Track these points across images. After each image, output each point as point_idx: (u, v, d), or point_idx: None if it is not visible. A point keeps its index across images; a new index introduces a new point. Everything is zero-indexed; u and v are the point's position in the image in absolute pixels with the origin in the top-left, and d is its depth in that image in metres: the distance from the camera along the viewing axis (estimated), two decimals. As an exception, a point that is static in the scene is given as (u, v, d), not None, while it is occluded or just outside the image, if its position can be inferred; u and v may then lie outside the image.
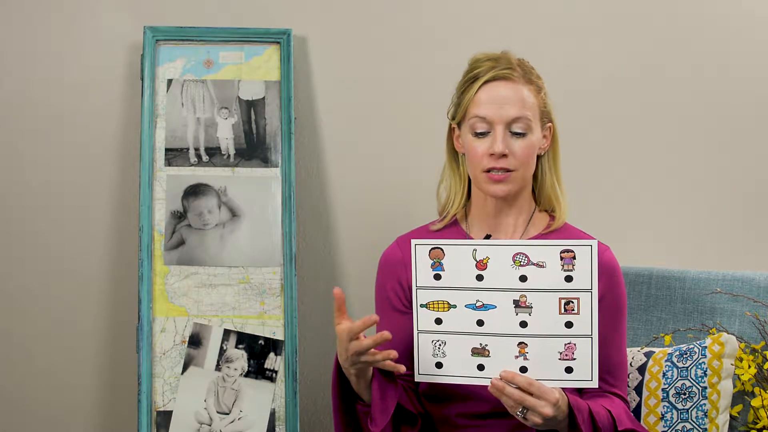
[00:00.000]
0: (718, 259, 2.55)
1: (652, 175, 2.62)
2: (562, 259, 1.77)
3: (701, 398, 2.09)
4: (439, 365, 1.84)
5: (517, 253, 1.79)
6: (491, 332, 1.80)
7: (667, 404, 2.11)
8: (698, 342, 2.15)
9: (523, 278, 1.79)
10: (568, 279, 1.77)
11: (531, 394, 1.77)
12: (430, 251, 1.82)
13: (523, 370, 1.80)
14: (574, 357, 1.78)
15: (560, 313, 1.78)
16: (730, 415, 2.12)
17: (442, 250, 1.82)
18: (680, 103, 2.62)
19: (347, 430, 1.94)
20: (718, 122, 2.62)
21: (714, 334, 2.15)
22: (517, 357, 1.79)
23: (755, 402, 2.10)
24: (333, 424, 1.99)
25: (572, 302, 1.77)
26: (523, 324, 1.79)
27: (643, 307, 2.33)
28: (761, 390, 2.10)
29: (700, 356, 2.11)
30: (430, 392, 2.01)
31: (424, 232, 2.08)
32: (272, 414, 2.50)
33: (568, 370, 1.79)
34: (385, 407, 1.87)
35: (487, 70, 1.96)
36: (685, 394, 2.10)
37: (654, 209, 2.62)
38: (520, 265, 1.79)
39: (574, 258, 1.77)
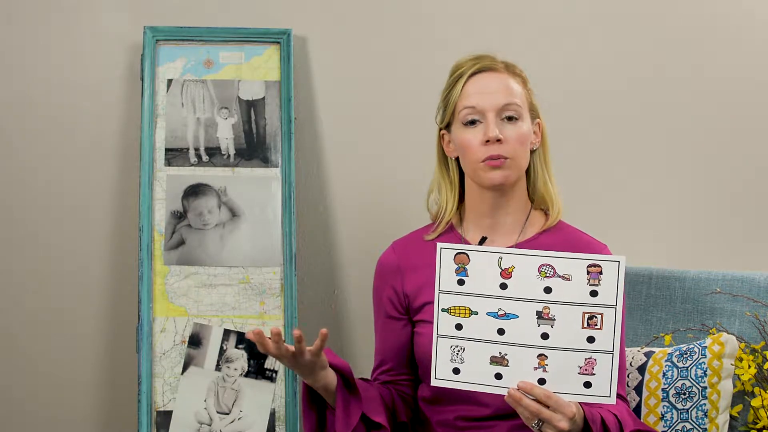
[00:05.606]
0: (718, 259, 2.55)
1: (652, 175, 2.62)
2: (588, 273, 1.75)
3: (701, 398, 2.09)
4: (456, 371, 1.81)
5: (544, 264, 1.77)
6: (511, 342, 1.78)
7: (667, 404, 2.11)
8: (698, 342, 2.15)
9: (547, 290, 1.77)
10: (594, 294, 1.75)
11: (548, 407, 1.75)
12: (455, 256, 1.80)
13: (542, 382, 1.77)
14: (594, 372, 1.76)
15: (583, 328, 1.76)
16: (730, 415, 2.12)
17: (467, 255, 1.79)
18: (680, 103, 2.61)
19: None
20: (717, 122, 2.62)
21: (714, 334, 2.15)
22: (536, 368, 1.77)
23: (755, 402, 2.10)
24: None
25: (596, 317, 1.75)
26: (545, 336, 1.77)
27: (642, 307, 2.33)
28: (761, 390, 2.10)
29: (700, 356, 2.11)
30: (430, 395, 2.01)
31: (418, 240, 2.07)
32: (272, 414, 2.50)
33: (587, 385, 1.77)
34: (348, 422, 1.88)
35: (471, 66, 1.98)
36: (685, 394, 2.10)
37: (654, 209, 2.62)
38: (546, 277, 1.77)
39: (600, 273, 1.75)
